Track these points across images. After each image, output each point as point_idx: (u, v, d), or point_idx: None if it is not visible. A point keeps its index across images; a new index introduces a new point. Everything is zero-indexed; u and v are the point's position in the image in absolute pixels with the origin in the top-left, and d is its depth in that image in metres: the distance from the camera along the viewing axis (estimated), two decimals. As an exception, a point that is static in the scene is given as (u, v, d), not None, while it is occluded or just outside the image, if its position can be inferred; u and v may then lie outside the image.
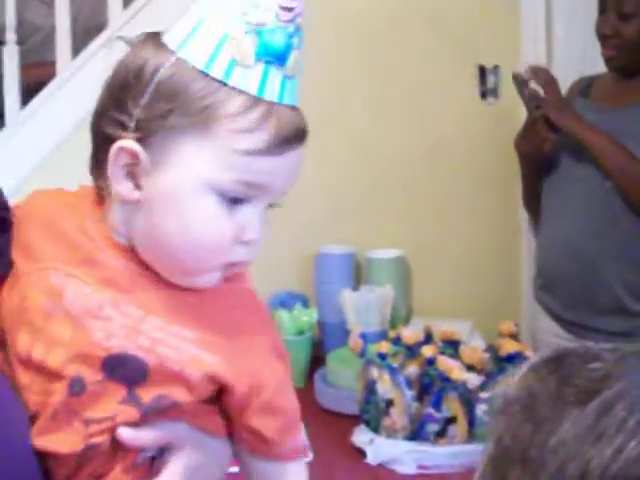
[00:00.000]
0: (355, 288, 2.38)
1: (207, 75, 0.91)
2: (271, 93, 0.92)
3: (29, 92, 2.47)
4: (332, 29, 2.43)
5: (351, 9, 2.45)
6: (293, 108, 0.95)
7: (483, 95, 2.36)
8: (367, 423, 1.88)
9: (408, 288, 2.50)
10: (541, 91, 1.98)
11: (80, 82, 2.36)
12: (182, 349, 0.94)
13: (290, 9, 0.92)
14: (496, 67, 2.37)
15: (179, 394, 0.94)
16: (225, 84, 0.91)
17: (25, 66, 2.50)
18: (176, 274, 0.96)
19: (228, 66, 0.91)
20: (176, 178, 0.93)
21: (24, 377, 0.95)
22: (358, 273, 2.47)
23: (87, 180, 0.98)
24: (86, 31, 2.60)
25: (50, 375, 0.94)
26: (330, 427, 2.02)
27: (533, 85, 1.98)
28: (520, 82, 2.01)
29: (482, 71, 2.38)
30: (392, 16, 2.45)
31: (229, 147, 0.91)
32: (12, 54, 2.46)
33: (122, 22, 2.40)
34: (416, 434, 1.79)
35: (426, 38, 2.46)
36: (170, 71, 0.92)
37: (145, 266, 0.97)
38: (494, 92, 2.36)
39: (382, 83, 2.48)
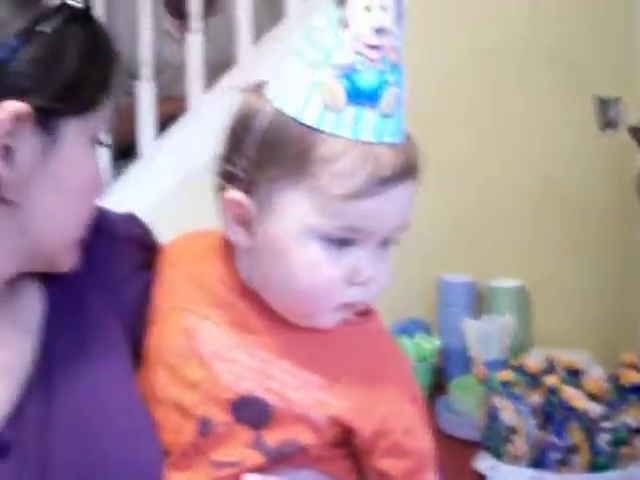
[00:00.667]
0: (476, 316, 2.42)
1: (301, 123, 0.91)
2: (367, 134, 0.92)
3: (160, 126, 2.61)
4: (447, 60, 2.50)
5: (464, 40, 2.51)
6: (394, 146, 0.94)
7: (603, 127, 2.38)
8: (489, 449, 1.92)
9: (528, 317, 2.53)
10: None
11: (211, 116, 2.47)
12: (308, 393, 0.96)
13: (377, 47, 0.91)
14: (616, 99, 2.40)
15: (304, 437, 0.96)
16: (319, 130, 0.91)
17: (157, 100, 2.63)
18: (293, 316, 0.98)
19: (320, 112, 0.91)
20: (280, 226, 0.94)
21: (159, 414, 0.98)
22: (479, 301, 2.52)
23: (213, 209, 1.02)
24: (217, 66, 2.71)
25: (183, 414, 0.97)
26: (452, 452, 2.06)
27: None
28: (635, 132, 2.08)
29: (602, 103, 2.40)
30: (506, 49, 2.50)
31: (327, 193, 0.91)
32: (148, 88, 2.60)
33: (252, 57, 2.51)
34: (538, 462, 1.82)
35: (543, 71, 2.51)
36: (267, 121, 0.93)
37: (272, 309, 0.99)
38: (614, 124, 2.38)
39: (503, 113, 2.53)
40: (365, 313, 1.03)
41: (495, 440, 1.90)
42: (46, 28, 0.79)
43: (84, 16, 0.85)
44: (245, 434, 0.96)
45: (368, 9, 0.91)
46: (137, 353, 1.01)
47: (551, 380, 1.87)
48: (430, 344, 2.37)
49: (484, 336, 2.33)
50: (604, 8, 2.49)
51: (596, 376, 1.91)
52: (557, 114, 2.51)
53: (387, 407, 0.99)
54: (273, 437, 0.96)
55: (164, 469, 0.95)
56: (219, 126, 2.67)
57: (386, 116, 0.94)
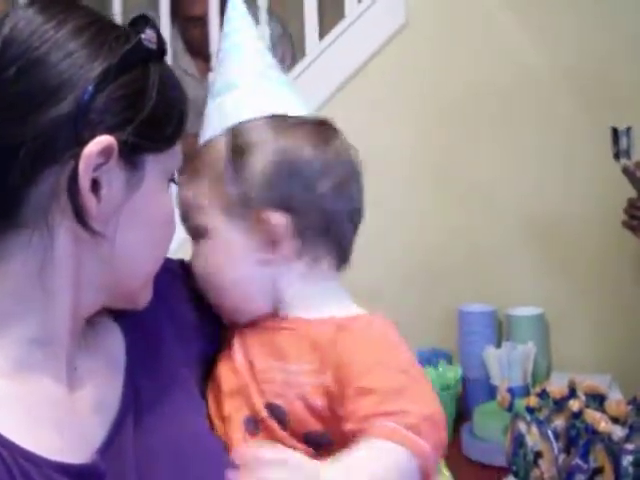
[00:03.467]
0: (497, 344, 2.47)
1: None
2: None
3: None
4: (465, 88, 2.57)
5: (484, 68, 2.58)
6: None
7: (616, 156, 2.45)
8: (516, 474, 1.97)
9: (548, 344, 2.58)
10: None
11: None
12: (298, 383, 1.04)
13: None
14: (629, 128, 2.46)
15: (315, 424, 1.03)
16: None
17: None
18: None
19: None
20: None
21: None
22: (499, 330, 2.57)
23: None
24: None
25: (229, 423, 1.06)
26: (479, 478, 2.12)
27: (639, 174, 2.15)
28: (631, 175, 2.18)
29: (615, 133, 2.47)
30: (521, 82, 2.57)
31: None
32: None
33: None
34: (565, 484, 1.87)
35: (560, 102, 2.57)
36: None
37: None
38: (627, 153, 2.44)
39: (519, 144, 2.59)
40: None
41: (521, 464, 1.95)
42: (127, 68, 0.84)
43: (159, 56, 0.90)
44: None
45: None
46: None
47: (575, 405, 1.91)
48: (453, 373, 2.42)
49: (506, 363, 2.38)
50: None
51: (619, 400, 1.96)
52: (574, 145, 2.58)
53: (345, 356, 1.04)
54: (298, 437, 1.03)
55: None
56: None
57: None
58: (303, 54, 2.62)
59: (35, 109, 0.78)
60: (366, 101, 2.57)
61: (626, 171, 2.20)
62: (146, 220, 0.88)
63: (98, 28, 0.84)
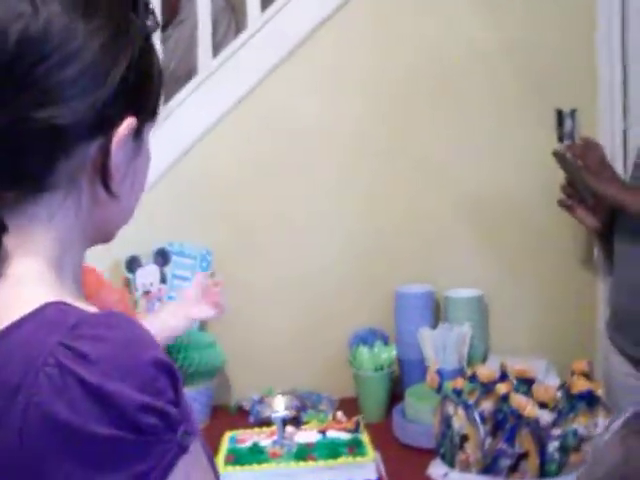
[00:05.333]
0: (434, 326, 2.44)
1: None
2: None
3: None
4: (413, 60, 2.53)
5: (430, 48, 2.54)
6: None
7: (560, 139, 2.42)
8: (443, 457, 1.94)
9: (486, 327, 2.56)
10: (578, 162, 2.11)
11: (171, 128, 2.48)
12: None
13: None
14: (573, 111, 2.43)
15: None
16: None
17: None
18: None
19: None
20: None
21: None
22: (437, 311, 2.54)
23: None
24: (175, 79, 2.73)
25: None
26: (408, 460, 2.09)
27: (569, 156, 2.14)
28: (560, 158, 2.16)
29: (560, 115, 2.44)
30: (472, 62, 2.53)
31: None
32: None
33: (212, 70, 2.52)
34: (489, 469, 1.84)
35: (508, 84, 2.54)
36: None
37: None
38: (571, 135, 2.41)
39: (466, 120, 2.56)
40: None
41: (448, 447, 1.92)
42: (143, 56, 0.97)
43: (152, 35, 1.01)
44: None
45: None
46: None
47: (503, 388, 1.89)
48: (387, 353, 2.39)
49: (441, 345, 2.35)
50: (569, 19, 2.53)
51: (547, 385, 1.93)
52: (517, 127, 2.55)
53: None
54: None
55: None
56: (177, 137, 2.66)
57: None
58: (245, 26, 2.56)
59: (78, 95, 0.91)
60: (311, 73, 2.52)
61: (557, 154, 2.18)
62: (141, 174, 1.03)
63: (119, 22, 0.95)
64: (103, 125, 0.93)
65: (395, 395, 2.39)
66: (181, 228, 2.50)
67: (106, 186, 0.95)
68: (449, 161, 2.55)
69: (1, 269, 0.92)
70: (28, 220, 0.94)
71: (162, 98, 1.02)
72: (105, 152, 0.94)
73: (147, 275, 2.43)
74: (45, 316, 0.88)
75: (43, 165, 0.92)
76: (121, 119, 0.94)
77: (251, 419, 2.36)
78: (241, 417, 2.41)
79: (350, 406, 2.38)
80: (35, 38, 0.90)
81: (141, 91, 0.97)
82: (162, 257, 2.44)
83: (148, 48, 0.98)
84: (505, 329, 2.59)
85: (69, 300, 0.91)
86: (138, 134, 0.97)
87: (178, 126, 2.46)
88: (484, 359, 2.47)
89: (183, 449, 0.85)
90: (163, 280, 2.43)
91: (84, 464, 0.82)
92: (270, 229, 2.53)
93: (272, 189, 2.52)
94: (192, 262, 2.44)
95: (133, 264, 2.44)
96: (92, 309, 0.91)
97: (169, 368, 0.86)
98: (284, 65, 2.50)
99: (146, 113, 0.98)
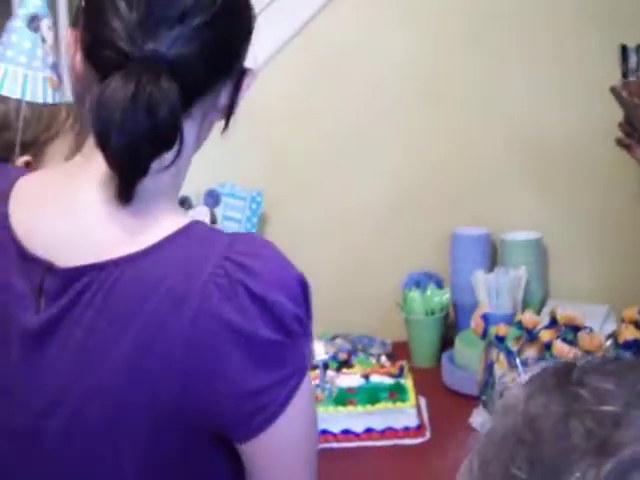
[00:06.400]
0: (490, 270, 2.37)
1: None
2: None
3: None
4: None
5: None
6: None
7: (624, 75, 2.31)
8: (485, 405, 1.89)
9: (544, 271, 2.47)
10: (635, 100, 2.00)
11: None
12: None
13: None
14: (639, 46, 2.31)
15: None
16: None
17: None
18: None
19: None
20: None
21: None
22: (494, 255, 2.47)
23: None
24: None
25: None
26: (453, 407, 2.05)
27: (625, 94, 2.00)
28: (617, 94, 2.04)
29: (624, 50, 2.33)
30: None
31: None
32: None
33: (262, 6, 2.47)
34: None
35: (569, 17, 2.43)
36: None
37: None
38: (635, 72, 2.30)
39: (535, 53, 2.46)
40: None
41: (490, 395, 1.87)
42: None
43: None
44: None
45: None
46: None
47: (546, 336, 1.82)
48: (440, 297, 2.33)
49: (494, 289, 2.28)
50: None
51: (594, 333, 1.86)
52: (577, 63, 2.44)
53: None
54: None
55: None
56: None
57: None
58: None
59: (235, 54, 1.08)
60: (358, 8, 2.45)
61: (613, 91, 2.07)
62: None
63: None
64: (232, 74, 1.08)
65: (448, 340, 2.34)
66: (231, 169, 2.47)
67: (227, 123, 1.11)
68: (504, 98, 2.45)
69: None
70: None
71: None
72: (233, 95, 1.09)
73: (197, 216, 2.40)
74: (195, 233, 1.01)
75: (191, 96, 1.02)
76: (240, 72, 1.09)
77: (302, 362, 2.34)
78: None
79: (403, 350, 2.35)
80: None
81: (247, 52, 1.10)
82: (212, 198, 2.42)
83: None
84: (566, 274, 2.50)
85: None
86: None
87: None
88: (542, 304, 2.39)
89: (310, 359, 1.03)
90: (213, 221, 2.41)
91: (250, 360, 0.95)
92: (320, 168, 2.48)
93: (322, 127, 2.47)
94: (242, 203, 2.42)
95: (184, 205, 2.42)
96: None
97: (307, 285, 1.01)
98: (332, 3, 2.43)
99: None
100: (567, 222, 2.48)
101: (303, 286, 1.00)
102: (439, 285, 2.40)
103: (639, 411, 0.61)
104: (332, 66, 2.46)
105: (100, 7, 1.00)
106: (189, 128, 1.03)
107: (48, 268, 0.99)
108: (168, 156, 0.98)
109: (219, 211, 2.42)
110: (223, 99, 1.08)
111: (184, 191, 2.39)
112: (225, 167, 2.46)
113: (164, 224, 1.00)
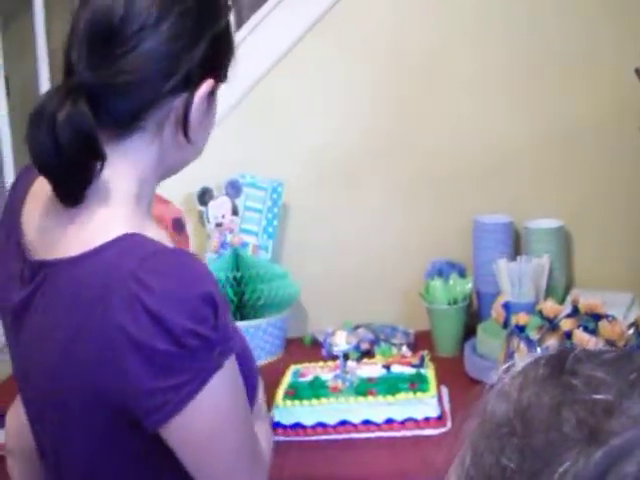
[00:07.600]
0: (513, 258, 2.35)
1: None
2: None
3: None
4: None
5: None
6: None
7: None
8: (506, 394, 1.87)
9: (568, 259, 2.45)
10: None
11: (241, 58, 2.44)
12: None
13: None
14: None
15: None
16: None
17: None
18: None
19: None
20: None
21: None
22: (517, 243, 2.45)
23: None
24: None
25: None
26: (474, 397, 2.03)
27: None
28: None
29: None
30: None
31: None
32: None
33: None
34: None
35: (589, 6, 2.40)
36: None
37: None
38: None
39: (547, 48, 2.43)
40: None
41: (511, 385, 1.85)
42: (225, 29, 1.19)
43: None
44: None
45: None
46: None
47: (567, 324, 1.81)
48: (462, 286, 2.32)
49: (517, 278, 2.26)
50: None
51: (616, 321, 1.84)
52: (607, 47, 2.40)
53: None
54: None
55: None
56: (247, 68, 2.58)
57: None
58: None
59: (175, 68, 1.13)
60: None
61: (638, 72, 2.04)
62: (211, 123, 1.23)
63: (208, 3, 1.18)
64: (188, 84, 1.14)
65: (471, 328, 2.33)
66: (252, 160, 2.47)
67: (185, 133, 1.17)
68: (527, 82, 2.43)
69: (96, 193, 1.12)
70: (122, 155, 1.15)
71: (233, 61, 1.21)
72: (187, 106, 1.15)
73: (219, 207, 2.42)
74: (124, 245, 1.09)
75: (138, 112, 1.13)
76: (202, 80, 1.15)
77: (324, 352, 2.34)
78: (316, 351, 2.39)
79: (426, 339, 2.34)
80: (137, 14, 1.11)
81: (221, 58, 1.18)
82: (234, 189, 2.42)
83: (229, 23, 1.20)
84: (591, 261, 2.48)
85: (146, 223, 1.15)
86: (212, 92, 1.18)
87: (248, 56, 2.41)
88: (566, 292, 2.37)
89: (218, 366, 1.08)
90: (235, 212, 2.41)
91: (144, 366, 1.04)
92: (341, 159, 2.48)
93: (342, 118, 2.46)
94: (263, 194, 2.42)
95: (205, 196, 2.42)
96: (162, 233, 1.16)
97: (214, 300, 1.06)
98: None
99: (221, 76, 1.19)
100: (590, 210, 2.45)
101: (207, 302, 1.06)
102: (462, 274, 2.39)
103: (631, 400, 0.61)
104: (351, 56, 2.45)
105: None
106: (139, 140, 1.16)
107: (25, 258, 1.16)
108: (99, 167, 1.10)
109: (241, 202, 2.42)
110: (178, 109, 1.16)
111: (205, 182, 2.42)
112: (246, 158, 2.47)
113: (112, 231, 1.11)
